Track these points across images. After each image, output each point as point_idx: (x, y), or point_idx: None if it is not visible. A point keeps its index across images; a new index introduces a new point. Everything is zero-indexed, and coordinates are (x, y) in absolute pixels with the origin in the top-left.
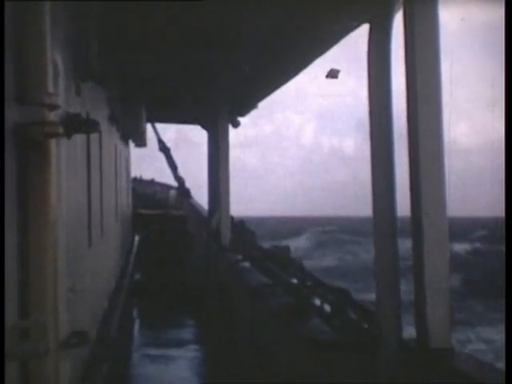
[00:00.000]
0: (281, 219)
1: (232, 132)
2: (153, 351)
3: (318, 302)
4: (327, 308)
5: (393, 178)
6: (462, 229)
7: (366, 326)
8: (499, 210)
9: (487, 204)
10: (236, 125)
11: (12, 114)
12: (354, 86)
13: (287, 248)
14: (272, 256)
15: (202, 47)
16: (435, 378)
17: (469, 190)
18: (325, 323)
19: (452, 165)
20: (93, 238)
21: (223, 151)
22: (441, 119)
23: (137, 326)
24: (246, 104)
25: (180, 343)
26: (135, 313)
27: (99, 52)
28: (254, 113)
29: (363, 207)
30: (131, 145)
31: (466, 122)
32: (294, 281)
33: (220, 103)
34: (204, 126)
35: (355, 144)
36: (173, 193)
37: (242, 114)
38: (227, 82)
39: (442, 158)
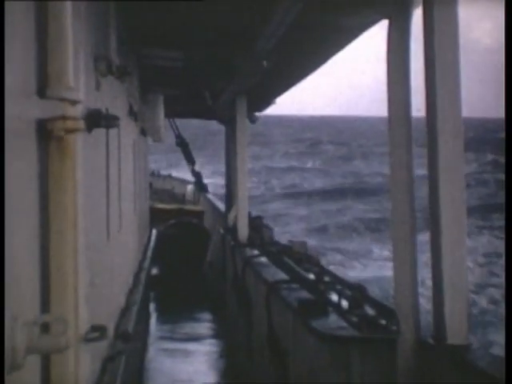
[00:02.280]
0: None
1: None
2: (170, 345)
3: (335, 297)
4: (344, 304)
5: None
6: None
7: (383, 321)
8: None
9: None
10: (253, 120)
11: (33, 109)
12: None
13: (304, 243)
14: (289, 251)
15: (221, 42)
16: (453, 374)
17: None
18: (342, 319)
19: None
20: (111, 232)
21: (241, 146)
22: (460, 116)
23: (153, 320)
24: (264, 99)
25: (197, 337)
26: (152, 307)
27: (118, 46)
28: None
29: None
30: (149, 139)
31: None
32: (311, 276)
33: (238, 99)
34: (222, 121)
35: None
36: (190, 188)
37: (260, 110)
38: (245, 77)
39: (462, 164)
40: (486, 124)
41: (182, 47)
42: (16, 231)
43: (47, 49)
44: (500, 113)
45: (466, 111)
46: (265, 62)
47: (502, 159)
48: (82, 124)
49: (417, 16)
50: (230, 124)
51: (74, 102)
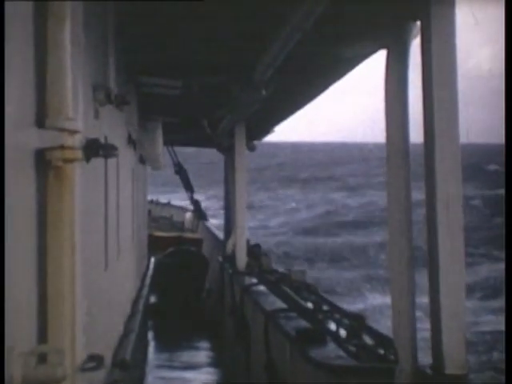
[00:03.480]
0: None
1: None
2: (168, 373)
3: (333, 326)
4: (343, 333)
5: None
6: None
7: (381, 351)
8: None
9: None
10: (252, 149)
11: (32, 138)
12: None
13: (303, 271)
14: (287, 279)
15: (219, 71)
16: None
17: None
18: (340, 348)
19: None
20: (109, 261)
21: (239, 174)
22: (458, 142)
23: (152, 349)
24: (263, 128)
25: (195, 366)
26: (150, 335)
27: (117, 75)
28: None
29: None
30: (148, 167)
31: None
32: (310, 305)
33: (237, 127)
34: (220, 150)
35: None
36: (189, 215)
37: (259, 138)
38: (244, 105)
39: (460, 190)
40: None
41: (181, 76)
42: (14, 260)
43: (46, 79)
44: (500, 139)
45: (464, 137)
46: (263, 91)
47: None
48: (80, 154)
49: (414, 45)
50: (228, 152)
51: (72, 132)
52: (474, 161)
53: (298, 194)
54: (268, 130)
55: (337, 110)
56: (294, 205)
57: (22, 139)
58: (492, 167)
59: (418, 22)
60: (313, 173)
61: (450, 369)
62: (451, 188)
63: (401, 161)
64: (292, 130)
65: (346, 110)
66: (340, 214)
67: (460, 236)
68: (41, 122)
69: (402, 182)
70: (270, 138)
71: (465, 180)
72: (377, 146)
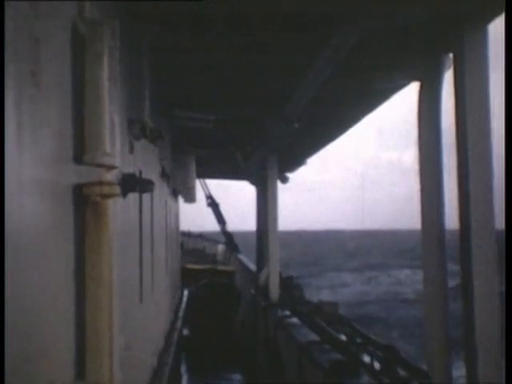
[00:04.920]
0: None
1: None
2: None
3: (367, 358)
4: (377, 365)
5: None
6: None
7: (416, 383)
8: None
9: None
10: (285, 181)
11: (70, 174)
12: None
13: (335, 303)
14: (320, 311)
15: (252, 104)
16: None
17: None
18: (374, 380)
19: None
20: (144, 294)
21: (272, 207)
22: (492, 177)
23: (185, 381)
24: (295, 161)
25: None
26: (183, 368)
27: (152, 109)
28: None
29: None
30: (181, 200)
31: None
32: (343, 337)
33: (269, 160)
34: (253, 182)
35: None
36: (221, 247)
37: (291, 170)
38: (276, 138)
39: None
40: None
41: (214, 109)
42: (53, 294)
43: (84, 115)
44: None
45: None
46: (296, 124)
47: None
48: (118, 189)
49: (448, 77)
50: (260, 184)
51: (110, 168)
52: None
53: None
54: (300, 161)
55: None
56: None
57: (61, 175)
58: None
59: (451, 55)
60: None
61: None
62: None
63: (435, 194)
64: None
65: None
66: None
67: (495, 260)
68: (79, 157)
69: (436, 222)
70: None
71: None
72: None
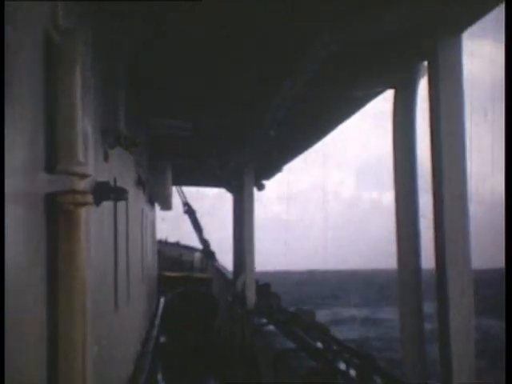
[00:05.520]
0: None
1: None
2: None
3: (343, 366)
4: (352, 373)
5: (418, 243)
6: None
7: None
8: None
9: None
10: (261, 188)
11: (43, 183)
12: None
13: (312, 311)
14: (297, 319)
15: (229, 112)
16: None
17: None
18: None
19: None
20: (119, 303)
21: (248, 215)
22: (466, 183)
23: None
24: (271, 168)
25: None
26: (160, 376)
27: (127, 117)
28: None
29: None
30: (157, 207)
31: None
32: (319, 345)
33: (246, 167)
34: (229, 190)
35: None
36: (198, 255)
37: (267, 178)
38: (253, 146)
39: (467, 223)
40: None
41: (191, 117)
42: (25, 305)
43: (57, 124)
44: None
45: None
46: (272, 132)
47: None
48: (91, 198)
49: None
50: (237, 192)
51: (83, 176)
52: None
53: None
54: (277, 169)
55: None
56: None
57: (33, 184)
58: None
59: (426, 62)
60: None
61: None
62: (458, 212)
63: (410, 198)
64: None
65: None
66: None
67: (470, 282)
68: (51, 166)
69: (411, 224)
70: None
71: None
72: None
